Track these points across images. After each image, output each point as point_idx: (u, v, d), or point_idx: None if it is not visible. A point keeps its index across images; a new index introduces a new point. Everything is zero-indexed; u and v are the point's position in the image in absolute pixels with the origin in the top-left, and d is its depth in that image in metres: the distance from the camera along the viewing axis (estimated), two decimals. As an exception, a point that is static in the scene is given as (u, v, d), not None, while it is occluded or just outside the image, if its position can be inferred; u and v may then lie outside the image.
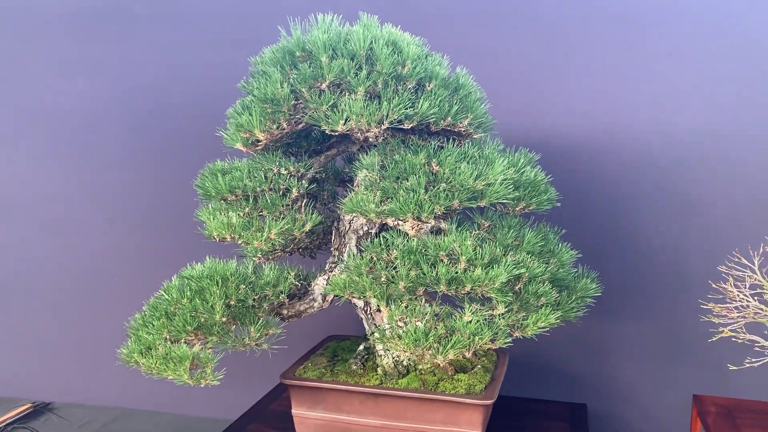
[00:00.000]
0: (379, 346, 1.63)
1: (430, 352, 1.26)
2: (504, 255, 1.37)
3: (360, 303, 1.63)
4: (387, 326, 1.38)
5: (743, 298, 1.51)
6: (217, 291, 1.48)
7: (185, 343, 1.44)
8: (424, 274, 1.31)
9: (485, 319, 1.32)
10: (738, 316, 1.51)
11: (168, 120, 2.32)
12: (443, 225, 1.47)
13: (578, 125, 1.98)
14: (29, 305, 2.56)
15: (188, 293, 1.49)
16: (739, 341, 1.47)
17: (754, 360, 1.43)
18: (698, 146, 1.91)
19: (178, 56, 2.29)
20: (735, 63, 1.86)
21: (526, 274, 1.37)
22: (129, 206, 2.40)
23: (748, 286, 1.53)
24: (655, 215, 1.96)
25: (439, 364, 1.57)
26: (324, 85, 1.38)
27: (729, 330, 1.49)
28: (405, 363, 1.61)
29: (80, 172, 2.43)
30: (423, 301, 1.38)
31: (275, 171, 1.53)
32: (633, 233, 1.97)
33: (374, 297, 1.36)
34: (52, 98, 2.43)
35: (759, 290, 1.52)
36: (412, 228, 1.48)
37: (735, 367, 1.46)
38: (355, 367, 1.64)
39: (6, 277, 2.59)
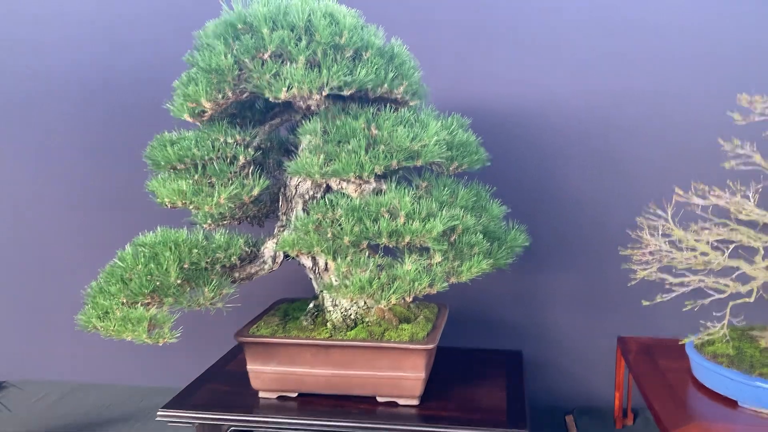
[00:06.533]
0: (327, 303, 1.73)
1: (374, 297, 1.37)
2: (440, 210, 1.49)
3: (308, 263, 1.73)
4: (335, 278, 1.48)
5: (656, 244, 1.67)
6: (171, 255, 1.55)
7: (142, 306, 1.51)
8: (367, 229, 1.42)
9: (424, 268, 1.44)
10: (652, 260, 1.67)
11: (113, 96, 2.35)
12: (384, 187, 1.57)
13: (507, 92, 2.12)
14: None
15: (142, 259, 1.55)
16: (653, 280, 1.63)
17: (664, 295, 1.59)
18: (617, 108, 2.07)
19: (120, 33, 2.32)
20: (650, 30, 2.02)
21: (460, 226, 1.50)
22: (76, 182, 2.42)
23: (660, 233, 1.69)
24: (579, 174, 2.12)
25: (384, 313, 1.69)
26: (266, 55, 1.46)
27: (644, 271, 1.66)
28: (353, 317, 1.72)
29: (25, 149, 2.44)
30: (366, 254, 1.49)
31: (222, 140, 1.61)
32: (558, 191, 2.13)
33: (321, 252, 1.46)
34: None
35: (672, 237, 1.69)
36: (355, 191, 1.59)
37: (648, 303, 1.62)
38: (306, 323, 1.74)
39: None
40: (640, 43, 2.04)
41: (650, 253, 1.67)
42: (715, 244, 1.61)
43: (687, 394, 1.60)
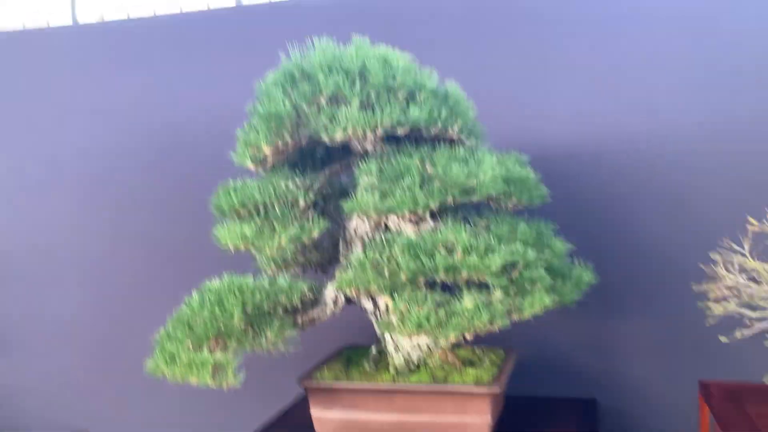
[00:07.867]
0: (390, 347, 1.71)
1: (433, 334, 1.35)
2: (499, 244, 1.46)
3: (369, 306, 1.72)
4: (393, 316, 1.47)
5: (733, 278, 1.58)
6: (235, 299, 1.58)
7: (207, 349, 1.54)
8: (423, 265, 1.41)
9: (483, 304, 1.41)
10: (729, 295, 1.58)
11: (183, 154, 2.47)
12: (442, 226, 1.57)
13: (568, 130, 2.09)
14: (60, 342, 2.68)
15: (208, 304, 1.59)
16: (732, 315, 1.54)
17: (744, 331, 1.50)
18: (684, 142, 2.00)
19: (189, 94, 2.46)
20: (715, 65, 1.98)
21: (521, 262, 1.46)
22: (148, 237, 2.53)
23: (737, 268, 1.60)
24: (647, 212, 2.04)
25: (447, 356, 1.66)
26: (322, 100, 1.51)
27: (720, 307, 1.56)
28: (415, 361, 1.69)
29: (102, 211, 2.58)
30: (424, 291, 1.47)
31: (283, 185, 1.65)
32: (627, 231, 2.06)
33: (378, 289, 1.46)
34: (70, 144, 2.59)
35: (752, 273, 1.59)
36: (413, 230, 1.59)
37: (726, 339, 1.52)
38: (368, 368, 1.73)
39: (40, 317, 2.71)
40: (704, 81, 1.99)
41: (727, 287, 1.59)
42: (798, 275, 1.51)
43: (779, 439, 1.47)
